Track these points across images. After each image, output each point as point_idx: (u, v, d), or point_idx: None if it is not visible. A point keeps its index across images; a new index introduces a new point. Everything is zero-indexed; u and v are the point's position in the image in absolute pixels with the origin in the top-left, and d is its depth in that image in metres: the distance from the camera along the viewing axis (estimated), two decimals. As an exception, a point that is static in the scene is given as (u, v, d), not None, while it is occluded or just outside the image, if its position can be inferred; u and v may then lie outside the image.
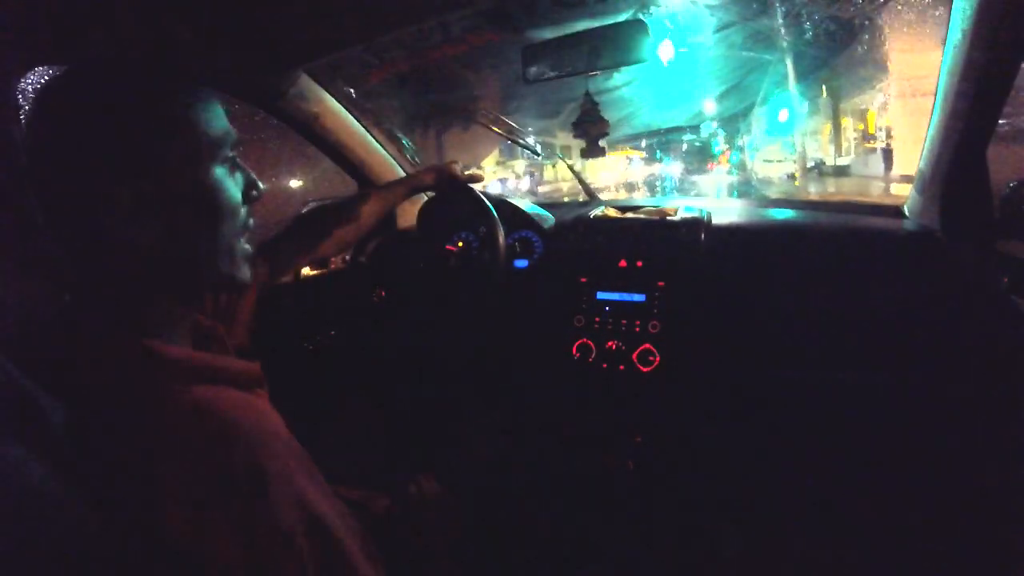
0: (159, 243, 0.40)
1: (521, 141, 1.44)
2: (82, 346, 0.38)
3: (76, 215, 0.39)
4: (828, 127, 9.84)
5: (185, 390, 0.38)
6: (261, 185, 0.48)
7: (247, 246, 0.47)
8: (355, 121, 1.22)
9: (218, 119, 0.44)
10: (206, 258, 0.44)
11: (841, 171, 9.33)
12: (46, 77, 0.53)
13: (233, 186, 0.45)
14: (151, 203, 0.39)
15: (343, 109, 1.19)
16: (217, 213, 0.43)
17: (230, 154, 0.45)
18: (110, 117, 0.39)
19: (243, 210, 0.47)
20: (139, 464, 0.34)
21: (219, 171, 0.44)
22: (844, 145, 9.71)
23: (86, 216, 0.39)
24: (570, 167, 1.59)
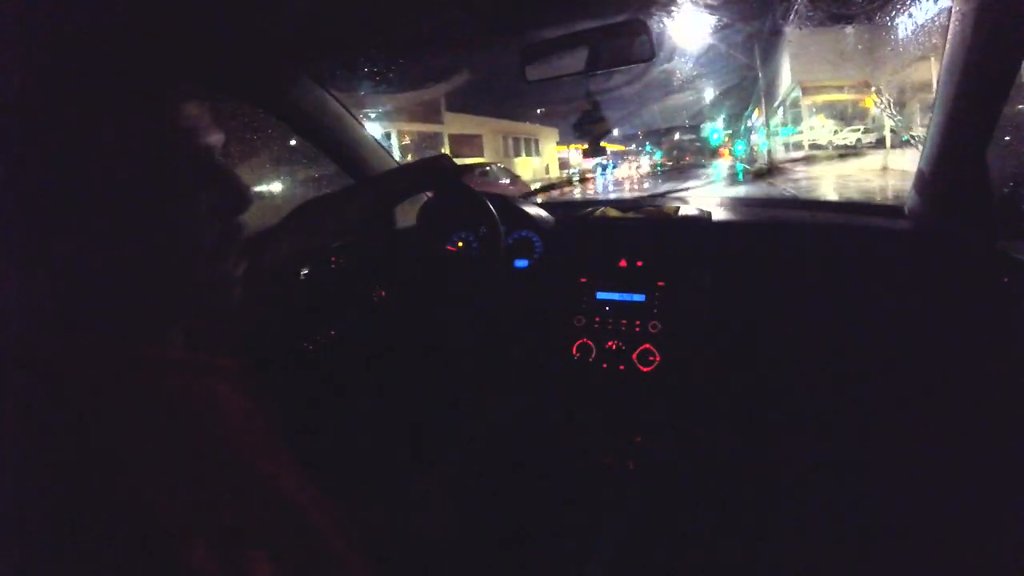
0: (143, 236, 0.41)
1: None
2: (66, 345, 0.39)
3: (55, 212, 0.39)
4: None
5: (144, 383, 0.39)
6: (245, 183, 0.48)
7: (235, 242, 0.47)
8: (354, 120, 1.22)
9: (199, 114, 0.44)
10: (193, 250, 0.44)
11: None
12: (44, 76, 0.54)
13: (219, 181, 0.45)
14: (131, 196, 0.40)
15: (343, 108, 1.19)
16: (203, 208, 0.43)
17: (212, 148, 0.45)
18: (82, 114, 0.39)
19: (229, 205, 0.46)
20: (108, 455, 0.35)
21: (200, 159, 0.44)
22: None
23: (64, 212, 0.39)
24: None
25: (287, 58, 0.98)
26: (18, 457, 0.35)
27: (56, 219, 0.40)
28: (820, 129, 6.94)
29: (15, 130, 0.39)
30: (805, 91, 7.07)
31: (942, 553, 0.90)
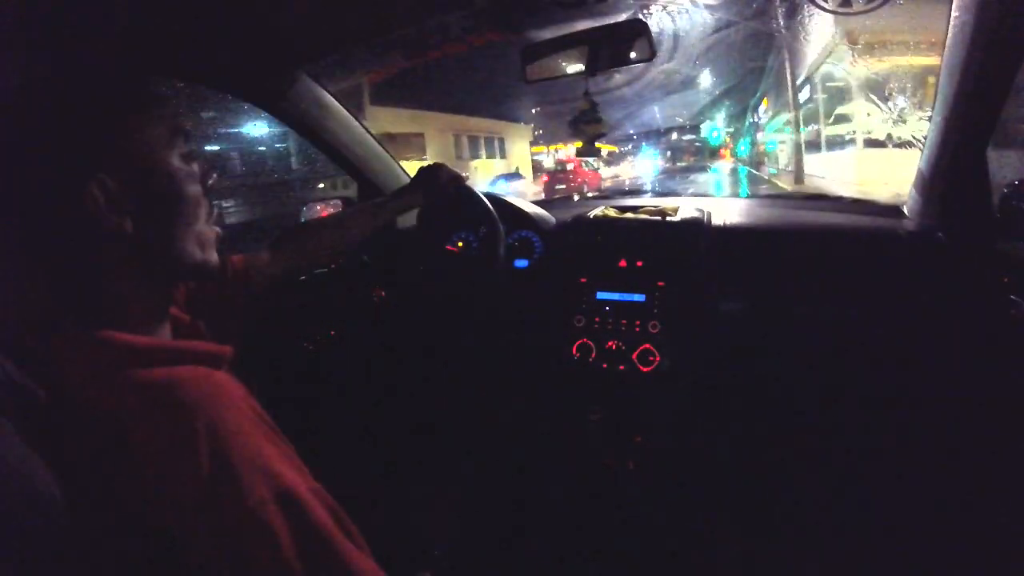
0: (132, 234, 0.42)
1: None
2: (54, 340, 0.39)
3: (48, 212, 0.40)
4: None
5: (140, 372, 0.39)
6: (214, 174, 0.51)
7: (213, 232, 0.50)
8: (354, 120, 1.22)
9: (171, 113, 0.47)
10: (179, 245, 0.46)
11: None
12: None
13: (193, 175, 0.47)
14: (122, 195, 0.41)
15: (342, 109, 1.19)
16: (185, 200, 0.46)
17: (185, 145, 0.47)
18: (76, 116, 0.41)
19: (205, 198, 0.49)
20: (107, 448, 0.35)
21: (179, 161, 0.46)
22: None
23: (59, 212, 0.40)
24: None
25: (287, 58, 0.98)
26: (18, 456, 0.35)
27: (53, 220, 0.40)
28: (865, 117, 4.29)
29: (15, 131, 0.40)
30: (856, 48, 4.01)
31: (942, 554, 0.90)
